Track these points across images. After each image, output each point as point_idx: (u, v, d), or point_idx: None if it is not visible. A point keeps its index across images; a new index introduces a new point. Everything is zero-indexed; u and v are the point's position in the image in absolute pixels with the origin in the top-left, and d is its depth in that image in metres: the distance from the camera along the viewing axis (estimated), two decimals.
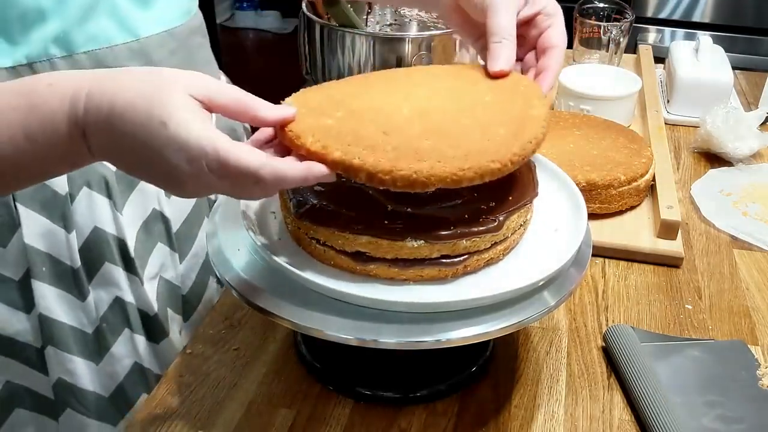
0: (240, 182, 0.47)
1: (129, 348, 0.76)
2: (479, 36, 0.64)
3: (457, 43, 1.01)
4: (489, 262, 0.58)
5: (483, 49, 0.63)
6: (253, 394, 0.65)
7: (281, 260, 0.55)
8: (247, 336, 0.72)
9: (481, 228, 0.55)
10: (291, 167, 0.48)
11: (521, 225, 0.59)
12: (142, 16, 0.69)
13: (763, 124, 1.08)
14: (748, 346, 0.71)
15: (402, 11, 1.25)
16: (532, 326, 0.73)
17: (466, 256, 0.55)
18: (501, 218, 0.55)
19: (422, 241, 0.53)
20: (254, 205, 0.63)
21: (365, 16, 1.22)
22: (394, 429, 0.62)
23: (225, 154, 0.45)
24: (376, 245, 0.54)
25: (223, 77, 0.88)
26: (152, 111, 0.46)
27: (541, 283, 0.55)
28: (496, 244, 0.57)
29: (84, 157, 0.50)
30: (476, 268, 0.57)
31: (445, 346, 0.53)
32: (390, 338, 0.52)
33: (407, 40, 1.02)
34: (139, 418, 0.63)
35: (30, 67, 0.63)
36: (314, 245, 0.56)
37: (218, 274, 0.58)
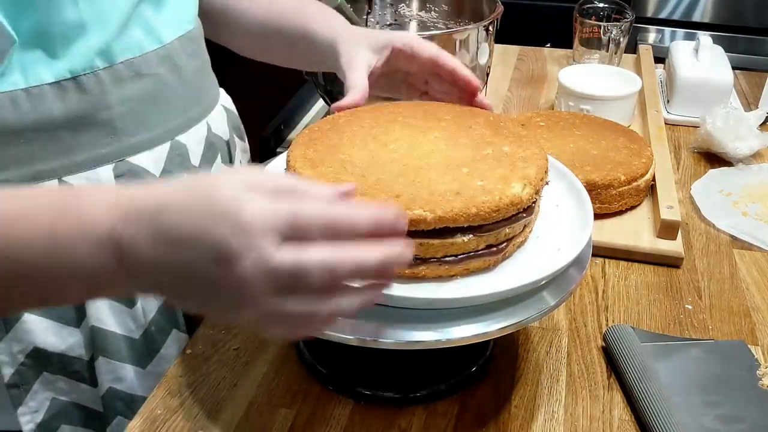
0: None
1: (177, 347, 0.76)
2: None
3: (458, 43, 1.01)
4: (519, 245, 0.60)
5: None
6: (253, 394, 0.65)
7: None
8: (247, 336, 0.72)
9: (520, 213, 0.57)
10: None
11: (538, 207, 0.61)
12: (162, 22, 0.70)
13: (763, 124, 1.08)
14: (748, 346, 0.71)
15: (402, 11, 1.25)
16: (532, 326, 0.73)
17: (505, 243, 0.57)
18: (532, 202, 0.57)
19: (471, 235, 0.54)
20: None
21: (365, 16, 1.22)
22: (394, 429, 0.62)
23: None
24: (426, 246, 0.54)
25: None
26: (199, 196, 0.42)
27: (541, 283, 0.56)
28: (525, 227, 0.59)
29: (107, 275, 0.43)
30: (511, 253, 0.59)
31: (445, 346, 0.53)
32: (390, 338, 0.52)
33: None
34: (139, 418, 0.63)
35: (74, 80, 0.64)
36: None
37: None
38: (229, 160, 0.86)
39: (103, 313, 0.70)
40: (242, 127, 0.92)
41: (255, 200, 0.40)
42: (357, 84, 0.69)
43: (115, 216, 0.43)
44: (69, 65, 0.63)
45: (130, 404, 0.74)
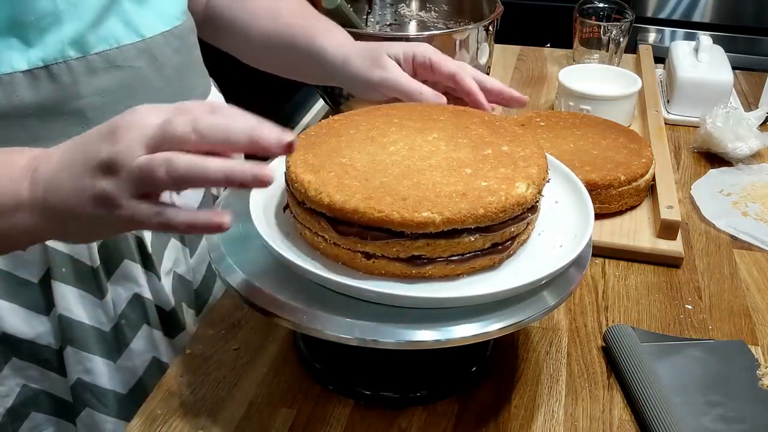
0: (191, 108, 0.48)
1: (147, 343, 0.76)
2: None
3: (458, 43, 1.01)
4: (523, 243, 0.60)
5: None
6: (253, 394, 0.65)
7: (290, 256, 0.55)
8: (247, 336, 0.72)
9: (525, 212, 0.57)
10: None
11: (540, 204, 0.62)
12: (144, 17, 0.70)
13: (763, 124, 1.08)
14: (748, 346, 0.71)
15: (402, 11, 1.25)
16: (532, 326, 0.73)
17: (510, 241, 0.57)
18: (536, 201, 0.58)
19: (477, 235, 0.54)
20: (261, 202, 0.63)
21: (365, 16, 1.22)
22: (394, 429, 0.62)
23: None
24: (433, 246, 0.54)
25: (212, 84, 0.88)
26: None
27: (541, 283, 0.56)
28: (528, 224, 0.59)
29: (16, 190, 0.51)
30: (515, 250, 0.59)
31: (445, 347, 0.53)
32: (390, 338, 0.52)
33: (407, 40, 1.02)
34: (139, 418, 0.63)
35: (46, 69, 0.64)
36: (360, 259, 0.55)
37: (218, 274, 0.59)
38: None
39: (71, 303, 0.70)
40: None
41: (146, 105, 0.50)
42: (421, 87, 0.72)
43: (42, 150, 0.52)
44: (42, 54, 0.63)
45: (98, 397, 0.74)
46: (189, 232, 0.53)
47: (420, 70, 0.75)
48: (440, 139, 0.62)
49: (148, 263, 0.75)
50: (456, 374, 0.66)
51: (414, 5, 1.25)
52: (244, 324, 0.73)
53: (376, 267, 0.55)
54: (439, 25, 1.23)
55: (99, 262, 0.71)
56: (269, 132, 0.47)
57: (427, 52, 0.75)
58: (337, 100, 1.09)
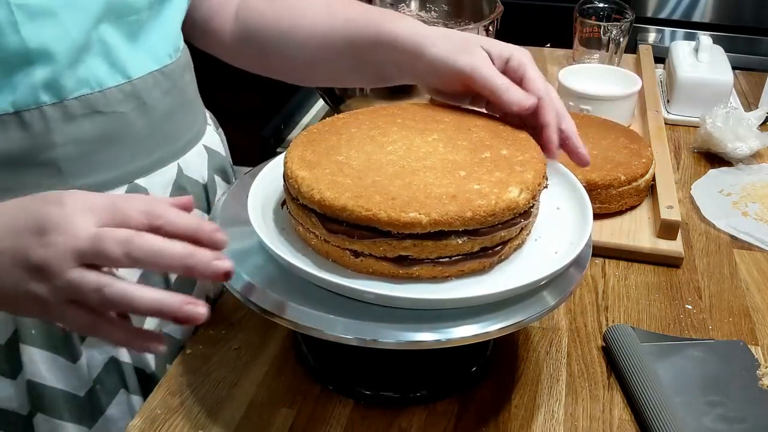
0: (128, 213, 0.47)
1: (125, 409, 0.71)
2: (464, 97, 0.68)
3: None
4: (516, 248, 0.60)
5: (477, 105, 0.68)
6: (253, 393, 0.65)
7: (281, 251, 0.56)
8: (247, 336, 0.72)
9: (517, 217, 0.57)
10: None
11: (537, 210, 0.61)
12: (132, 56, 0.65)
13: (763, 124, 1.08)
14: (748, 346, 0.71)
15: (402, 11, 1.25)
16: (532, 326, 0.73)
17: (501, 246, 0.57)
18: (529, 207, 0.57)
19: (466, 238, 0.54)
20: (261, 199, 0.63)
21: None
22: (394, 429, 0.62)
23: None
24: (420, 247, 0.54)
25: (208, 114, 0.83)
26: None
27: (541, 283, 0.56)
28: (522, 230, 0.59)
29: None
30: (508, 255, 0.59)
31: (445, 346, 0.53)
32: (390, 338, 0.52)
33: None
34: (139, 418, 0.63)
35: (17, 115, 0.59)
36: (348, 256, 0.56)
37: None
38: (207, 205, 0.78)
39: (41, 367, 0.65)
40: (231, 169, 0.85)
41: (80, 193, 0.48)
42: (509, 85, 0.63)
43: None
44: (12, 98, 0.58)
45: None
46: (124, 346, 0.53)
47: (508, 75, 0.65)
48: (439, 141, 0.62)
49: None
50: (456, 374, 0.66)
51: (414, 5, 1.25)
52: (244, 324, 0.73)
53: (364, 265, 0.55)
54: (439, 25, 1.23)
55: None
56: (204, 260, 0.46)
57: (523, 60, 0.65)
58: (338, 99, 1.09)
